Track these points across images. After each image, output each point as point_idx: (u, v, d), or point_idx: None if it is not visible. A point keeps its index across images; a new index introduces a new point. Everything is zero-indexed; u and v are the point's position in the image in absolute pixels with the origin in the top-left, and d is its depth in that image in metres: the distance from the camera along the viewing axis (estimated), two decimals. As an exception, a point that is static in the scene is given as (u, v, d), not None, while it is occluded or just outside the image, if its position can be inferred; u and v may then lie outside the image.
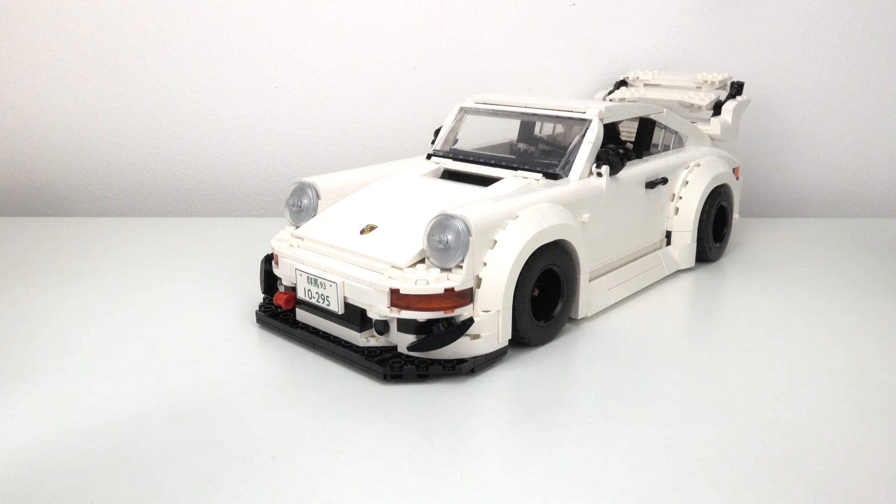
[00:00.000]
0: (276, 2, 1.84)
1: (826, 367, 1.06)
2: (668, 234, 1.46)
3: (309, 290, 1.08)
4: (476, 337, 1.02)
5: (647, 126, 1.43)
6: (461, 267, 1.00)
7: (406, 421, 0.91)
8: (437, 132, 1.43)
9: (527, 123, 1.50)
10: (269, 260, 1.19)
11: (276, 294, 1.13)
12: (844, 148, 1.98)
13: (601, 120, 1.25)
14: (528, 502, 0.75)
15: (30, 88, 1.87)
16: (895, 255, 1.60)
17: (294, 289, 1.12)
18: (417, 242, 1.03)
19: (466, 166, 1.29)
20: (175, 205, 1.96)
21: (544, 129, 1.51)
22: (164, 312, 1.23)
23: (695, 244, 1.46)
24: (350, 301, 1.03)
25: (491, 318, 1.02)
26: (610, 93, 1.80)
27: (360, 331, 1.04)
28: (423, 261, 1.03)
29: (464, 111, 1.42)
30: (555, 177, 1.20)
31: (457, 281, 0.99)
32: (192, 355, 1.07)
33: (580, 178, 1.21)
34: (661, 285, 1.40)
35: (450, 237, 0.99)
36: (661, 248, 1.45)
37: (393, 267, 1.02)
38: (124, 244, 1.56)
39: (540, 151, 1.45)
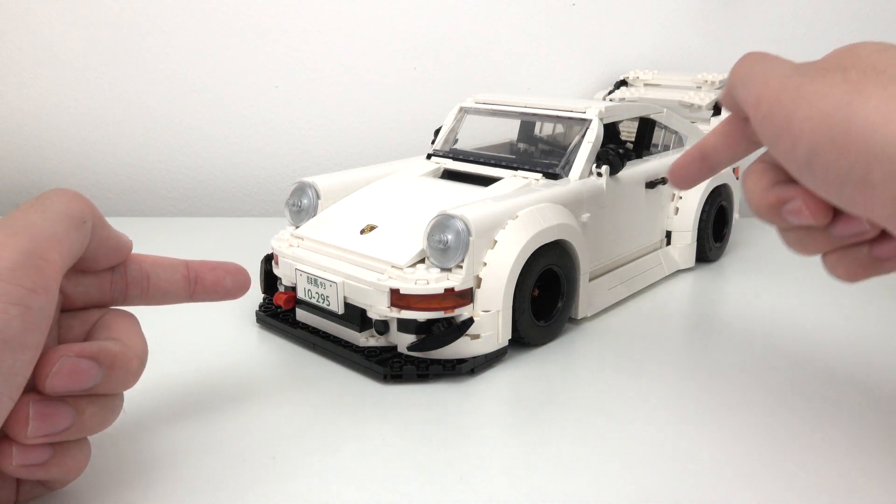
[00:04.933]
0: (277, 2, 1.84)
1: (826, 367, 1.06)
2: (668, 234, 1.46)
3: (309, 290, 1.08)
4: (476, 337, 1.02)
5: (647, 126, 1.42)
6: (461, 267, 1.00)
7: (406, 421, 0.91)
8: (437, 132, 1.43)
9: (527, 123, 1.50)
10: (269, 260, 1.19)
11: (276, 294, 1.13)
12: (844, 148, 1.98)
13: (601, 120, 1.25)
14: (527, 502, 0.75)
15: (30, 89, 1.87)
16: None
17: (294, 289, 1.12)
18: (417, 242, 1.03)
19: (466, 166, 1.29)
20: (175, 205, 1.96)
21: (544, 129, 1.51)
22: (164, 312, 1.23)
23: (695, 244, 1.46)
24: (350, 301, 1.03)
25: (491, 318, 1.02)
26: (610, 93, 1.80)
27: (360, 331, 1.04)
28: (423, 261, 1.03)
29: (464, 111, 1.42)
30: (555, 177, 1.20)
31: (457, 281, 0.99)
32: (193, 355, 1.07)
33: (580, 178, 1.21)
34: (661, 285, 1.40)
35: (450, 237, 0.99)
36: (661, 247, 1.45)
37: (393, 267, 1.02)
38: (124, 244, 1.55)
39: (540, 151, 1.45)
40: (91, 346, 0.68)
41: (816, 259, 1.52)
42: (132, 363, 0.71)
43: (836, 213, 0.66)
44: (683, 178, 0.84)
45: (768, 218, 0.70)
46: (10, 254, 0.60)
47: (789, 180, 0.67)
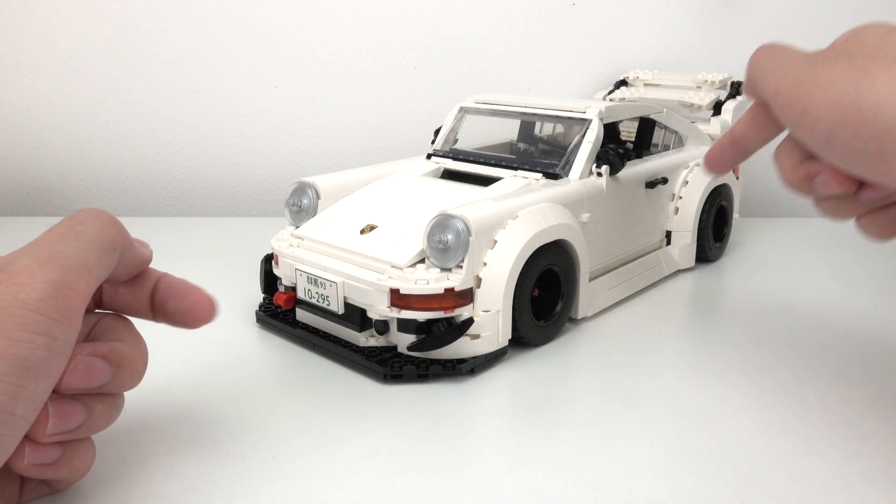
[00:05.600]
0: (276, 2, 1.84)
1: (826, 368, 1.06)
2: (668, 234, 1.46)
3: (309, 289, 1.08)
4: (476, 337, 1.02)
5: (647, 126, 1.43)
6: (461, 267, 1.00)
7: (406, 421, 0.91)
8: (437, 132, 1.43)
9: (527, 123, 1.50)
10: (269, 260, 1.19)
11: (276, 294, 1.13)
12: (844, 148, 1.98)
13: (601, 120, 1.25)
14: (528, 502, 0.75)
15: (30, 88, 1.87)
16: (895, 255, 1.60)
17: (294, 289, 1.12)
18: (417, 242, 1.03)
19: (466, 166, 1.29)
20: (175, 205, 1.96)
21: (544, 129, 1.51)
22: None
23: (695, 244, 1.46)
24: (350, 301, 1.03)
25: (491, 318, 1.02)
26: (610, 93, 1.80)
27: (360, 331, 1.04)
28: (423, 261, 1.03)
29: (464, 111, 1.42)
30: (555, 177, 1.20)
31: (457, 281, 0.99)
32: (193, 355, 1.07)
33: (580, 178, 1.21)
34: (661, 285, 1.40)
35: (450, 237, 0.99)
36: (661, 247, 1.45)
37: (393, 267, 1.02)
38: (124, 244, 1.55)
39: (540, 151, 1.45)
40: (102, 345, 0.70)
41: (816, 259, 1.51)
42: (139, 363, 0.74)
43: (862, 181, 0.73)
44: (718, 164, 0.92)
45: (800, 190, 0.79)
46: (40, 284, 0.61)
47: (816, 156, 0.75)
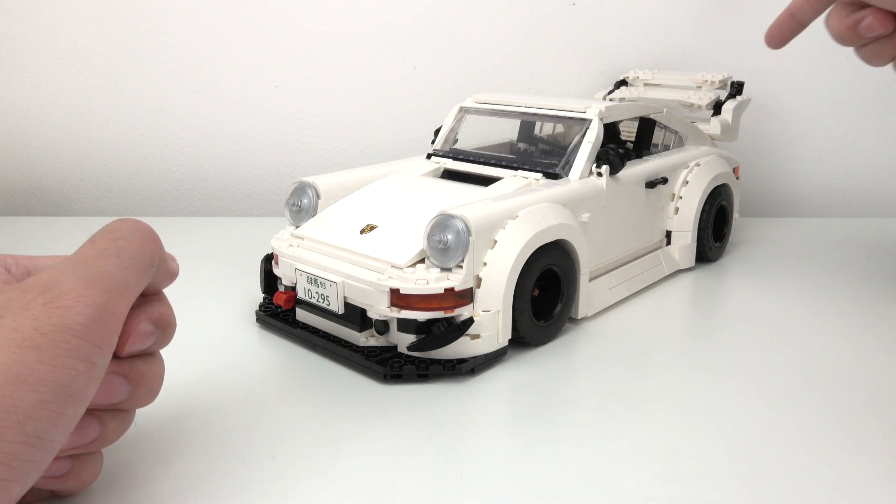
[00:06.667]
0: (276, 2, 1.84)
1: (826, 367, 1.06)
2: (668, 234, 1.46)
3: (309, 289, 1.08)
4: (476, 337, 1.02)
5: (647, 126, 1.43)
6: (461, 267, 1.00)
7: (406, 421, 0.91)
8: (437, 132, 1.43)
9: (527, 123, 1.50)
10: (269, 260, 1.19)
11: (276, 294, 1.13)
12: (844, 148, 1.98)
13: (601, 120, 1.25)
14: (528, 502, 0.75)
15: (30, 88, 1.87)
16: (895, 255, 1.60)
17: (294, 288, 1.12)
18: (417, 242, 1.03)
19: (466, 166, 1.29)
20: (175, 205, 1.96)
21: (544, 129, 1.51)
22: (164, 312, 1.23)
23: (695, 244, 1.46)
24: (350, 301, 1.03)
25: (491, 318, 1.02)
26: (610, 92, 1.80)
27: (360, 331, 1.04)
28: (423, 260, 1.03)
29: (464, 111, 1.42)
30: (555, 176, 1.20)
31: (457, 281, 0.99)
32: (193, 355, 1.07)
33: (580, 178, 1.21)
34: (661, 285, 1.40)
35: (450, 237, 0.99)
36: (661, 247, 1.45)
37: (393, 267, 1.02)
38: (124, 244, 1.55)
39: (540, 151, 1.45)
40: (122, 363, 0.69)
41: (816, 259, 1.51)
42: (156, 381, 0.73)
43: None
44: (778, 39, 1.05)
45: (847, 40, 0.97)
46: (85, 309, 0.61)
47: (859, 9, 0.95)
